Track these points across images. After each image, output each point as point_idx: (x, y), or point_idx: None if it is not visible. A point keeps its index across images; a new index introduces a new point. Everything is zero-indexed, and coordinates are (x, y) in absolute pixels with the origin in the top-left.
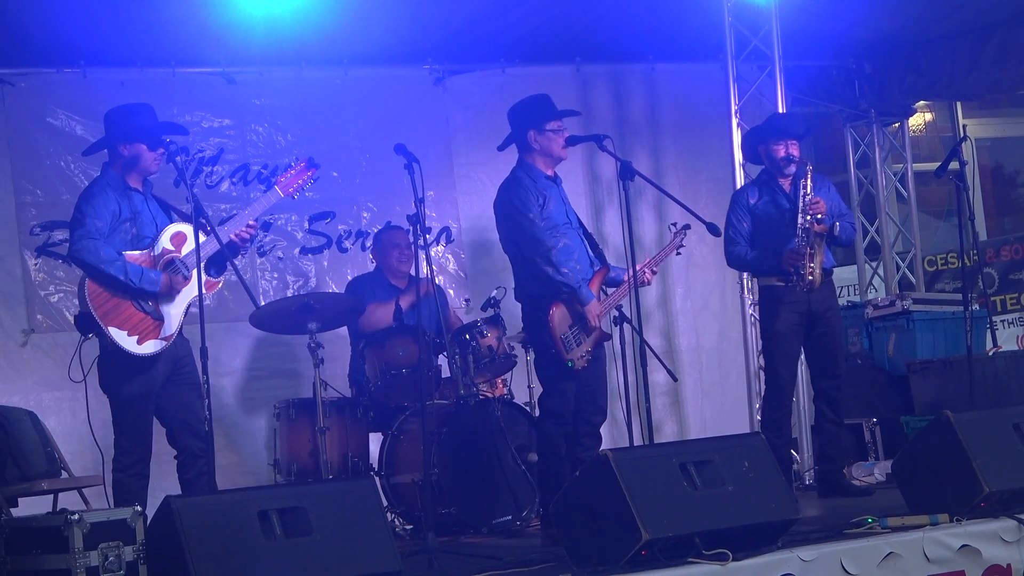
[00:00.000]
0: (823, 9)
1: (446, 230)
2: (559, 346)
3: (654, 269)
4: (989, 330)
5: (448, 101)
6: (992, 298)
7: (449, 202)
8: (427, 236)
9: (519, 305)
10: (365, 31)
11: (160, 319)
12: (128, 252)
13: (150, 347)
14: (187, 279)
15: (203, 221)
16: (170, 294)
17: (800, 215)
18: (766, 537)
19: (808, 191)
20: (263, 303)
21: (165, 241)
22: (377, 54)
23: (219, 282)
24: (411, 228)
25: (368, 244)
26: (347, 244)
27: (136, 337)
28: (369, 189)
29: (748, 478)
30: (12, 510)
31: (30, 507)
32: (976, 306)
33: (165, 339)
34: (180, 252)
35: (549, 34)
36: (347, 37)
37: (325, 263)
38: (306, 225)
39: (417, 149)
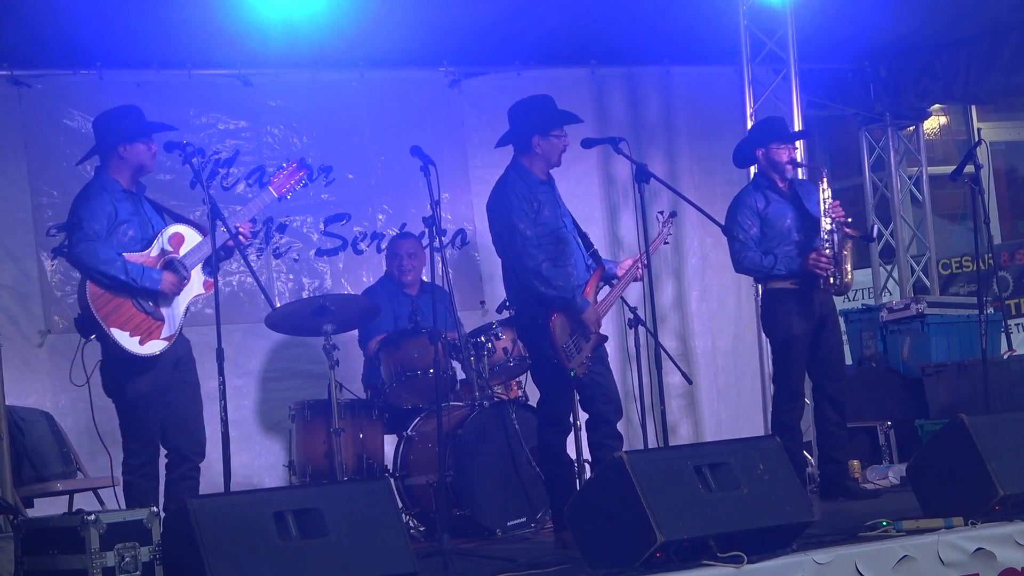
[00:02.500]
0: (838, 13)
1: (461, 232)
2: (561, 356)
3: (644, 262)
4: (1004, 334)
5: (463, 104)
6: (1007, 302)
7: (464, 204)
8: (442, 238)
9: None
10: (381, 34)
11: (161, 319)
12: (126, 254)
13: (152, 347)
14: (186, 279)
15: (218, 222)
16: (168, 296)
17: (823, 218)
18: (781, 540)
19: (828, 194)
20: (279, 305)
21: (163, 242)
22: (393, 56)
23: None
24: (426, 230)
25: (383, 246)
26: (362, 246)
27: (138, 338)
28: (384, 191)
29: (763, 481)
30: (28, 511)
31: (46, 508)
32: (991, 309)
33: (167, 339)
34: (178, 253)
35: (564, 37)
36: (363, 39)
37: (340, 265)
38: (321, 227)
39: (432, 151)
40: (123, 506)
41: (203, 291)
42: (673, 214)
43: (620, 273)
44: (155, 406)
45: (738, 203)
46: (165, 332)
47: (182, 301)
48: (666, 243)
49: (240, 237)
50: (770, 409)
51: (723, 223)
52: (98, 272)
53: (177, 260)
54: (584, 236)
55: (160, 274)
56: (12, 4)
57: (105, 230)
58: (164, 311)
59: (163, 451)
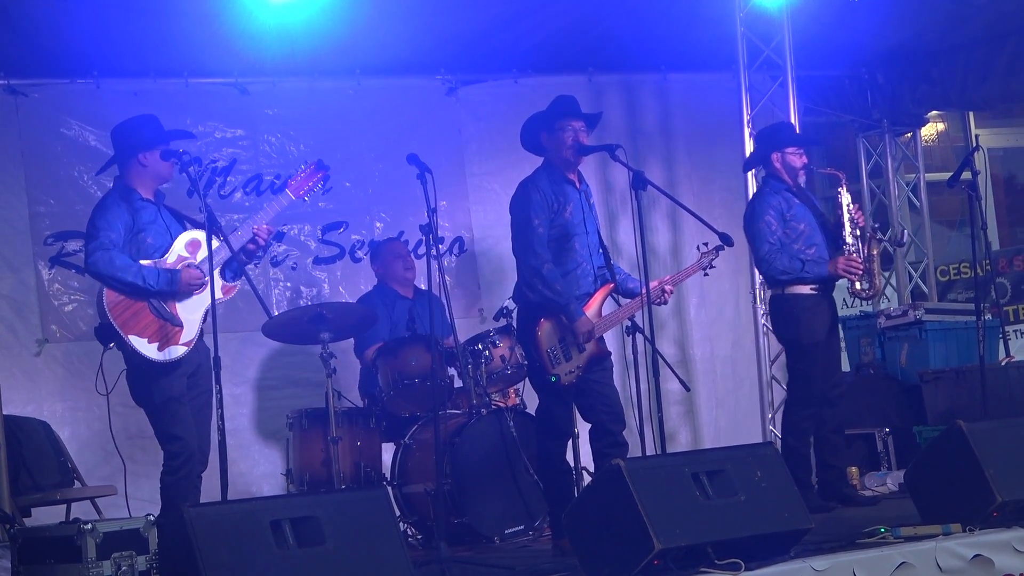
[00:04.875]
0: (835, 19)
1: (459, 240)
2: (544, 360)
3: (670, 287)
4: (1002, 340)
5: (461, 111)
6: (1005, 308)
7: (462, 212)
8: (440, 246)
9: None
10: (378, 41)
11: (179, 325)
12: (143, 260)
13: (171, 353)
14: (204, 284)
15: (215, 230)
16: (188, 293)
17: (848, 223)
18: (778, 547)
19: (848, 199)
20: (276, 313)
21: (180, 248)
22: (390, 64)
23: (235, 286)
24: (424, 238)
25: None
26: (360, 254)
27: (157, 344)
28: (382, 199)
29: (761, 488)
30: (25, 520)
31: (43, 517)
32: (989, 316)
33: (186, 344)
34: (196, 258)
35: (562, 44)
36: (360, 47)
37: (338, 273)
38: (319, 235)
39: (429, 159)
40: (147, 511)
41: (222, 296)
42: (720, 248)
43: (642, 290)
44: (184, 406)
45: (763, 206)
46: (184, 337)
47: (199, 306)
48: (705, 274)
49: (257, 239)
50: (768, 416)
51: (743, 225)
52: (114, 279)
53: (194, 266)
54: (605, 249)
55: (176, 273)
56: (9, 13)
57: (122, 239)
58: (182, 316)
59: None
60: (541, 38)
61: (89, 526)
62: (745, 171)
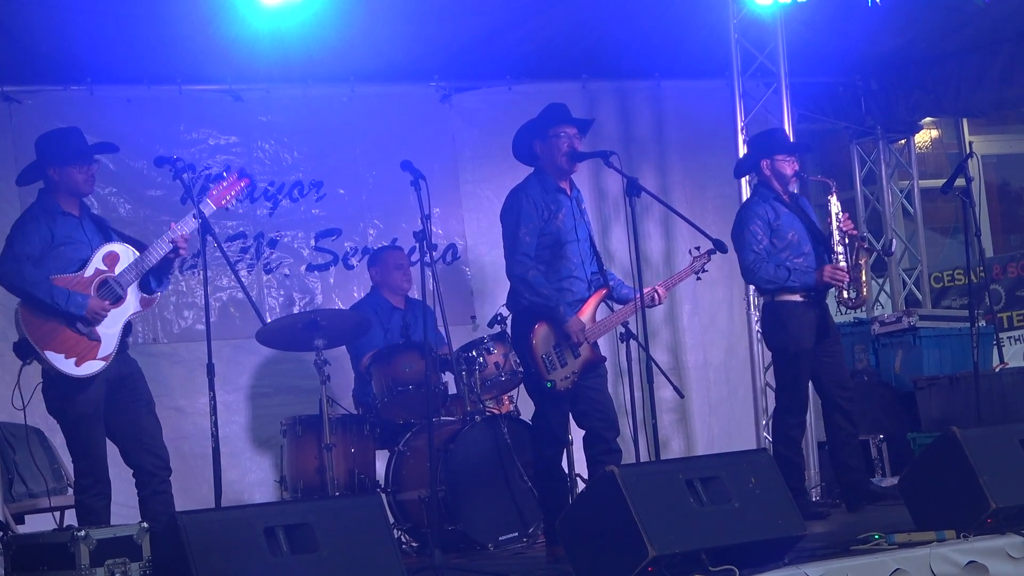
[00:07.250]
0: (829, 26)
1: (452, 247)
2: (539, 365)
3: (663, 290)
4: (996, 347)
5: (454, 118)
6: (999, 315)
7: (455, 219)
8: (433, 253)
9: None
10: (372, 48)
11: (97, 339)
12: (58, 276)
13: (88, 368)
14: (121, 299)
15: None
16: (98, 316)
17: (837, 231)
18: (773, 554)
19: (838, 208)
20: (269, 320)
21: (97, 262)
22: (384, 71)
23: (155, 298)
24: (417, 245)
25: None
26: (353, 261)
27: (74, 359)
28: (375, 206)
29: (755, 494)
30: (19, 527)
31: (37, 524)
32: (983, 323)
33: (104, 359)
34: (114, 271)
35: (556, 51)
36: (354, 54)
37: (331, 280)
38: (312, 242)
39: (423, 166)
40: (134, 518)
41: (140, 308)
42: (712, 252)
43: (636, 297)
44: (99, 425)
45: (748, 214)
46: (102, 352)
47: (118, 320)
48: (698, 278)
49: (179, 249)
50: (763, 423)
51: (730, 233)
52: (24, 294)
53: (112, 279)
54: (598, 256)
55: (86, 299)
56: (2, 20)
57: (39, 252)
58: (100, 331)
59: (130, 471)
60: (535, 45)
61: (82, 533)
62: (736, 176)
